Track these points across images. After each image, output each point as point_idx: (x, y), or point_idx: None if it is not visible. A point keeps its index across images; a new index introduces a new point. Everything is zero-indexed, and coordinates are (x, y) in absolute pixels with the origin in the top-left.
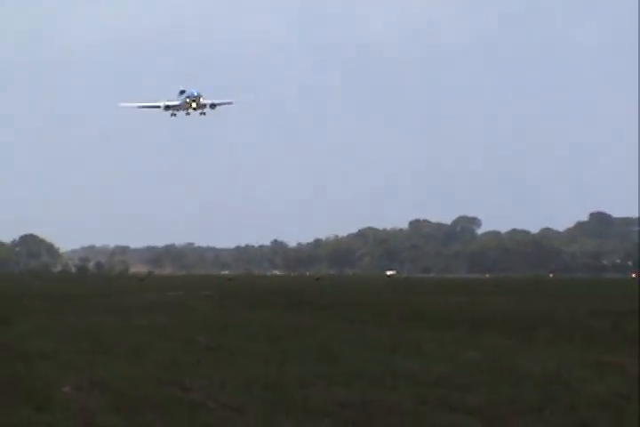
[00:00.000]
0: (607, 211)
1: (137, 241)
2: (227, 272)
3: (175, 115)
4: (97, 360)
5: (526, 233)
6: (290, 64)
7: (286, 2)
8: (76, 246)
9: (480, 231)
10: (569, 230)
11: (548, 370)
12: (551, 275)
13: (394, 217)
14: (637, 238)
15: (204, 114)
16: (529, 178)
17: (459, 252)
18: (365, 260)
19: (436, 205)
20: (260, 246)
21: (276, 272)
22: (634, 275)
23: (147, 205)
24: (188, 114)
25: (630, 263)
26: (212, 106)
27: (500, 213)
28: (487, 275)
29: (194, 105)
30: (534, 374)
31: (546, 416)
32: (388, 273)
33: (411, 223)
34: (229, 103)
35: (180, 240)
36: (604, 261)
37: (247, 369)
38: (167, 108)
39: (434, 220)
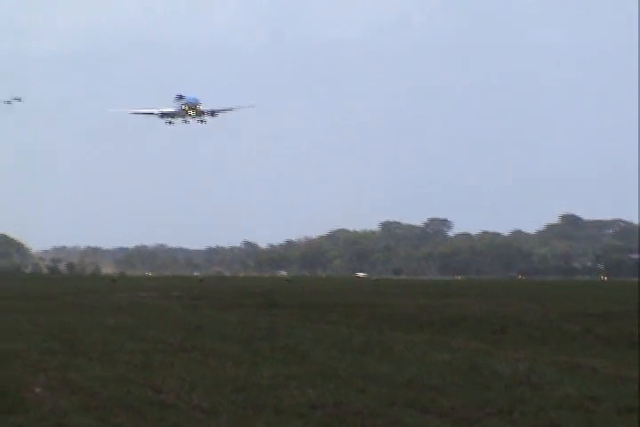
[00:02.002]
0: (578, 213)
1: (108, 242)
2: (198, 273)
3: (172, 122)
4: (68, 361)
5: (497, 235)
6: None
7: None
8: (47, 247)
9: (451, 233)
10: (539, 233)
11: (518, 372)
12: (520, 277)
13: (365, 219)
14: (607, 241)
15: (204, 122)
16: (500, 180)
17: (430, 254)
18: (336, 261)
19: (407, 206)
20: (232, 248)
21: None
22: (604, 278)
23: (118, 206)
24: (186, 122)
25: (600, 266)
26: (213, 113)
27: (472, 216)
28: (458, 277)
29: (192, 113)
30: (505, 375)
31: (516, 418)
32: (359, 275)
33: (382, 225)
34: (229, 110)
35: (151, 241)
36: (575, 264)
37: (219, 370)
38: (163, 115)
39: (405, 222)
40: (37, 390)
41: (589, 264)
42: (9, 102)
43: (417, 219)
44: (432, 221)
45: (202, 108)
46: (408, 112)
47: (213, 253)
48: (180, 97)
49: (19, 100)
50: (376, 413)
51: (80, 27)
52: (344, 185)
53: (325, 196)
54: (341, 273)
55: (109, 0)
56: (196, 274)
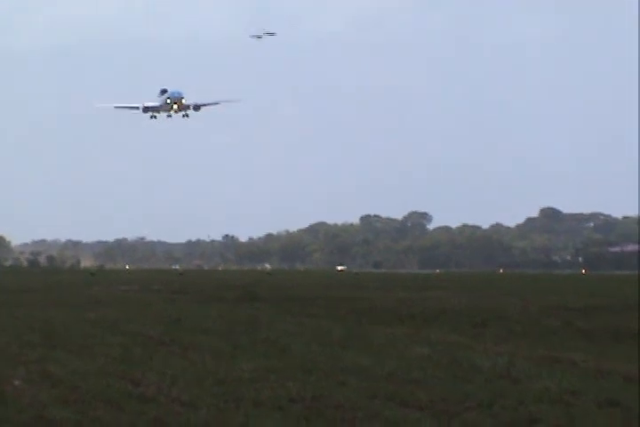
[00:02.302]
0: (558, 207)
1: (88, 235)
2: (178, 267)
3: (155, 117)
4: (48, 354)
5: (477, 228)
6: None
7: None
8: (27, 240)
9: (431, 227)
10: (519, 226)
11: (498, 366)
12: (501, 270)
13: (345, 212)
14: (588, 234)
15: (187, 116)
16: (480, 173)
17: (409, 247)
18: (316, 255)
19: (386, 200)
20: (212, 241)
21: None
22: (584, 271)
23: (98, 200)
24: (169, 116)
25: (580, 259)
26: (197, 107)
27: (451, 209)
28: (438, 270)
29: (175, 107)
30: (484, 369)
31: (495, 411)
32: (339, 268)
33: (362, 218)
34: (215, 104)
35: (131, 235)
36: (555, 257)
37: (199, 364)
38: (146, 109)
39: (385, 215)
40: (16, 382)
41: (569, 258)
42: (259, 37)
43: (397, 212)
44: (412, 214)
45: (185, 102)
46: (388, 105)
47: (193, 247)
48: (164, 91)
49: (272, 34)
50: (356, 406)
51: (61, 21)
52: (324, 178)
53: (305, 189)
54: (321, 266)
55: None
56: (175, 267)
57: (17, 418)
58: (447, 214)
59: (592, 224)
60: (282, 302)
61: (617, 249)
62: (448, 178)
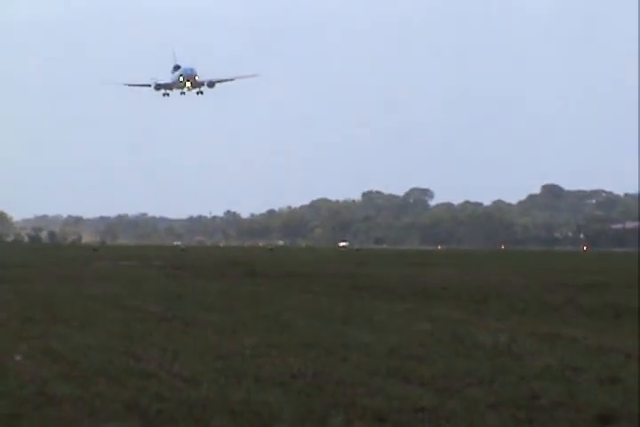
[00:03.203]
0: (559, 184)
1: (90, 211)
2: (179, 243)
3: (168, 95)
4: (49, 329)
5: (479, 205)
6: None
7: None
8: (29, 216)
9: (432, 203)
10: (521, 203)
11: (499, 342)
12: (503, 247)
13: (347, 189)
14: (589, 211)
15: (202, 93)
16: (482, 150)
17: (411, 223)
18: (318, 231)
19: (388, 176)
20: (214, 217)
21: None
22: (585, 248)
23: (100, 176)
24: (182, 93)
25: (582, 236)
26: (211, 84)
27: (453, 186)
28: (439, 247)
29: (188, 84)
30: (486, 346)
31: (497, 388)
32: (341, 245)
33: (363, 195)
34: (231, 80)
35: (132, 211)
36: (556, 234)
37: (200, 339)
38: (159, 87)
39: (386, 191)
40: (18, 358)
41: (571, 234)
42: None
43: (398, 189)
44: (413, 190)
45: (199, 78)
46: (391, 82)
47: (195, 223)
48: (177, 67)
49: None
50: (357, 382)
51: None
52: (326, 155)
53: (307, 166)
54: (323, 243)
55: None
56: (177, 243)
57: (18, 393)
58: (449, 191)
59: (594, 201)
60: (283, 278)
61: (618, 226)
62: (450, 155)
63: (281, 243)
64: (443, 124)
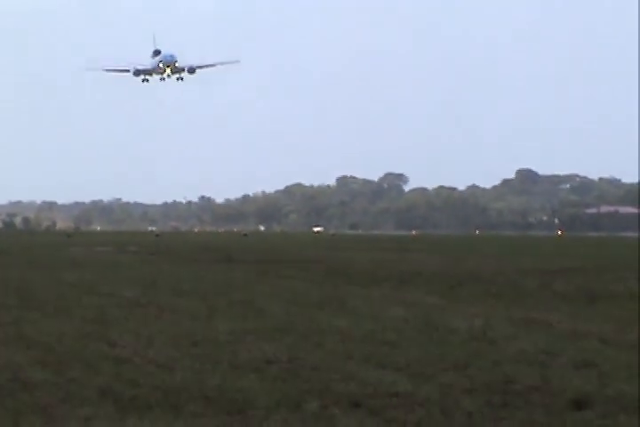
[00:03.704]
0: (533, 168)
1: (64, 197)
2: (154, 228)
3: (147, 80)
4: (23, 315)
5: (453, 190)
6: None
7: None
8: (3, 201)
9: (407, 188)
10: (495, 188)
11: (473, 327)
12: (477, 232)
13: (321, 174)
14: (563, 196)
15: (182, 79)
16: (456, 135)
17: (386, 209)
18: (292, 216)
19: (363, 161)
20: (188, 202)
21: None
22: (560, 232)
23: (74, 161)
24: (162, 79)
25: (556, 221)
26: (191, 70)
27: (427, 170)
28: (414, 232)
29: (168, 70)
30: (460, 331)
31: (471, 373)
32: (315, 230)
33: (338, 180)
34: (212, 66)
35: (107, 196)
36: (531, 219)
37: (175, 325)
38: (138, 72)
39: (361, 176)
40: None
41: (545, 219)
42: None
43: (373, 174)
44: (388, 175)
45: (179, 64)
46: (363, 69)
47: (170, 208)
48: (157, 52)
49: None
50: (332, 367)
51: None
52: (300, 140)
53: (282, 150)
54: (298, 228)
55: None
56: (151, 229)
57: None
58: (423, 176)
59: (568, 186)
60: (258, 263)
61: (593, 210)
62: (424, 139)
63: (262, 228)
64: (417, 110)
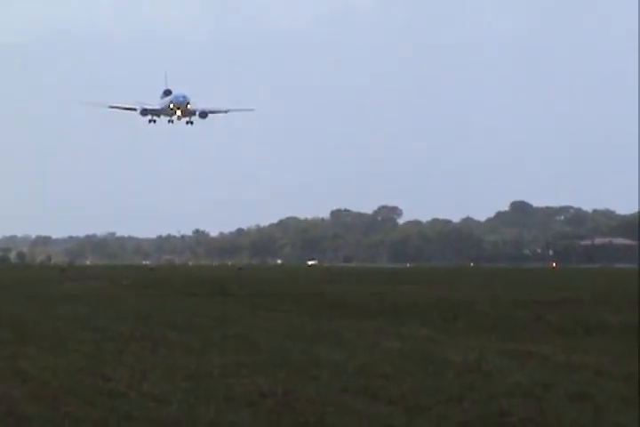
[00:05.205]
0: (528, 200)
1: (58, 231)
2: (148, 262)
3: (154, 121)
4: (18, 350)
5: (447, 222)
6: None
7: None
8: None
9: (401, 221)
10: (490, 220)
11: (468, 359)
12: (472, 264)
13: (315, 207)
14: (557, 228)
15: (192, 123)
16: (450, 167)
17: (380, 241)
18: (287, 249)
19: (357, 194)
20: (182, 236)
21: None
22: (554, 264)
23: (68, 196)
24: (170, 122)
25: (551, 253)
26: (203, 114)
27: (422, 203)
28: (408, 264)
29: (179, 112)
30: (455, 363)
31: (466, 405)
32: (310, 263)
33: (332, 213)
34: (225, 112)
35: (101, 230)
36: (525, 251)
37: (169, 359)
38: (145, 112)
39: (355, 209)
40: None
41: (540, 251)
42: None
43: (367, 207)
44: (382, 208)
45: (191, 107)
46: (358, 103)
47: (164, 242)
48: (167, 92)
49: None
50: (327, 400)
51: (25, 18)
52: (294, 173)
53: (275, 184)
54: (292, 261)
55: None
56: (146, 262)
57: None
58: (418, 209)
59: (562, 217)
60: (253, 296)
61: (587, 242)
62: (418, 172)
63: (254, 262)
64: (410, 142)
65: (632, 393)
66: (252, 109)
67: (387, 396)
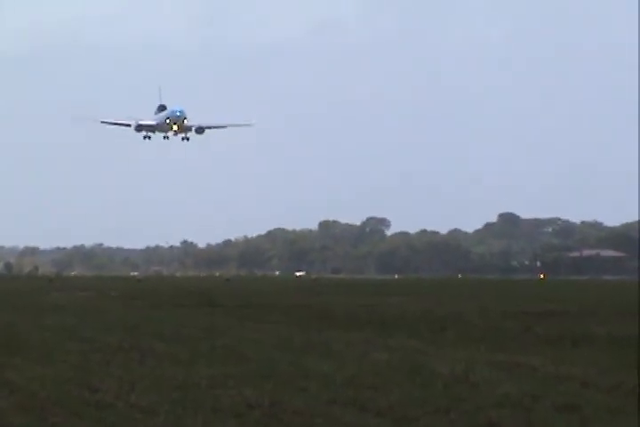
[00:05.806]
0: (516, 212)
1: (46, 242)
2: (136, 273)
3: (149, 137)
4: (6, 361)
5: (435, 234)
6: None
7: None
8: None
9: (389, 232)
10: (478, 231)
11: (456, 371)
12: (460, 275)
13: (303, 218)
14: (545, 239)
15: (188, 139)
16: (438, 179)
17: (368, 252)
18: (275, 261)
19: (345, 206)
20: (170, 247)
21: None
22: (542, 276)
23: (55, 207)
24: (166, 138)
25: (539, 264)
26: (200, 130)
27: (410, 215)
28: (396, 275)
29: (175, 128)
30: (443, 374)
31: (454, 417)
32: (298, 274)
33: (320, 224)
34: (223, 127)
35: (89, 241)
36: (513, 262)
37: (157, 370)
38: (140, 128)
39: (343, 221)
40: None
41: (527, 263)
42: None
43: (355, 218)
44: (370, 220)
45: (188, 122)
46: (347, 114)
47: (151, 253)
48: (162, 107)
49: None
50: (315, 411)
51: (15, 28)
52: (282, 184)
53: (264, 195)
54: (279, 273)
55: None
56: (133, 273)
57: None
58: (406, 220)
59: (550, 229)
60: (241, 308)
61: (575, 254)
62: (406, 184)
63: (242, 274)
64: (399, 153)
65: (619, 404)
66: (250, 125)
67: (375, 407)
